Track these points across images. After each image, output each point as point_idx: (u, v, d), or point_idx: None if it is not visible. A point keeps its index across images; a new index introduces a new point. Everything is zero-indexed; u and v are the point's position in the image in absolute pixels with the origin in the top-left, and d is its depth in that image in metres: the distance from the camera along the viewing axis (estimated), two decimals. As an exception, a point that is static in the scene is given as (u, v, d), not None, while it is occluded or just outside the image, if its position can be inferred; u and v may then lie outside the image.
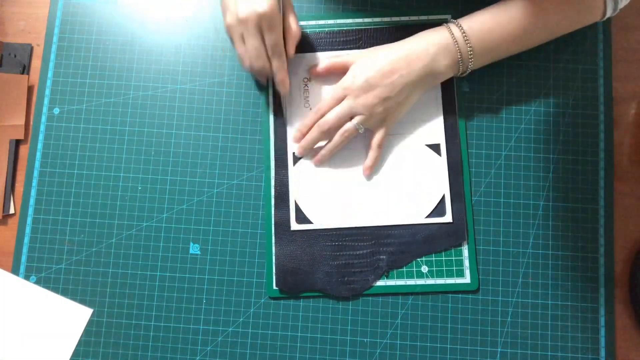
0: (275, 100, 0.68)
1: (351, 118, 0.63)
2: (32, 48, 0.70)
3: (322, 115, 0.64)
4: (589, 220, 0.66)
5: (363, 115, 0.62)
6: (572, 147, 0.67)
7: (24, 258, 0.66)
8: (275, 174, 0.66)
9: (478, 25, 0.62)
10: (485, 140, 0.67)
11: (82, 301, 0.65)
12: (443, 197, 0.65)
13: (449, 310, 0.64)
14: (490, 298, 0.64)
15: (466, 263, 0.65)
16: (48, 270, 0.66)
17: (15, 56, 0.69)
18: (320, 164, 0.66)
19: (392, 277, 0.64)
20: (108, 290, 0.65)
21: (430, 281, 0.64)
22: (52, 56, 0.69)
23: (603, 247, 0.65)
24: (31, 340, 0.64)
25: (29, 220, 0.66)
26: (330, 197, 0.66)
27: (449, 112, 0.67)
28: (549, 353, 0.63)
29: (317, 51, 0.68)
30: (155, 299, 0.65)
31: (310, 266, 0.64)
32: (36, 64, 0.69)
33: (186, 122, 0.68)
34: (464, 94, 0.68)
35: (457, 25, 0.62)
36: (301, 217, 0.65)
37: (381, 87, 0.62)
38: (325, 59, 0.67)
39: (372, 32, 0.68)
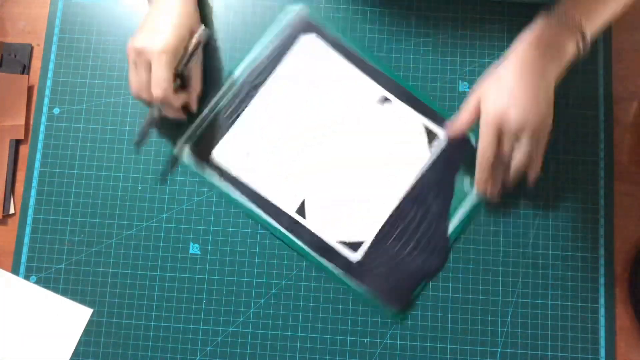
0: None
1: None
2: (32, 48, 0.70)
3: (493, 163, 0.60)
4: (589, 220, 0.66)
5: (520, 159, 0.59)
6: (572, 147, 0.67)
7: (24, 258, 0.66)
8: None
9: (598, 25, 0.59)
10: (485, 140, 0.67)
11: (82, 301, 0.65)
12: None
13: (449, 310, 0.64)
14: (490, 298, 0.64)
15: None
16: (48, 270, 0.66)
17: (15, 56, 0.69)
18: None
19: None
20: (108, 290, 0.65)
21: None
22: (52, 56, 0.69)
23: (603, 247, 0.65)
24: (31, 340, 0.64)
25: (29, 220, 0.66)
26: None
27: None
28: (549, 353, 0.63)
29: None
30: (155, 299, 0.65)
31: None
32: (36, 64, 0.69)
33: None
34: (464, 94, 0.68)
35: (582, 37, 0.59)
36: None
37: (531, 126, 0.57)
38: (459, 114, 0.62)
39: None
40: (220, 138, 0.66)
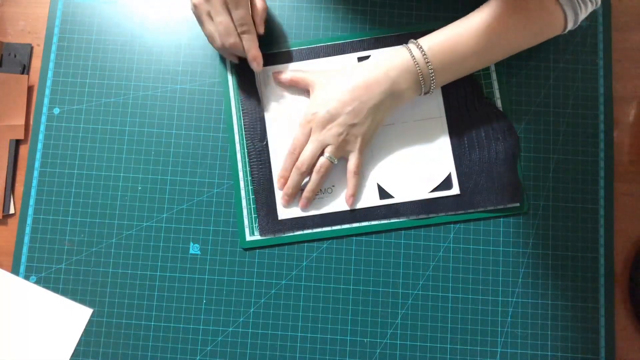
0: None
1: (323, 151, 0.63)
2: (32, 48, 0.70)
3: (298, 155, 0.64)
4: (589, 220, 0.66)
5: (333, 146, 0.62)
6: (572, 147, 0.67)
7: (24, 258, 0.66)
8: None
9: (438, 44, 0.61)
10: (485, 140, 0.67)
11: (82, 301, 0.65)
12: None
13: (449, 310, 0.64)
14: (490, 298, 0.64)
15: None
16: (48, 270, 0.66)
17: (15, 56, 0.69)
18: (307, 206, 0.65)
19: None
20: (108, 290, 0.65)
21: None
22: (52, 56, 0.69)
23: (603, 247, 0.65)
24: (31, 340, 0.64)
25: (29, 220, 0.66)
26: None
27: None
28: (549, 353, 0.63)
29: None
30: (155, 299, 0.65)
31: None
32: (36, 64, 0.69)
33: (186, 122, 0.68)
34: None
35: (417, 45, 0.61)
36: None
37: (344, 115, 0.61)
38: (289, 70, 0.66)
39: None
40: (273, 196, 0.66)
